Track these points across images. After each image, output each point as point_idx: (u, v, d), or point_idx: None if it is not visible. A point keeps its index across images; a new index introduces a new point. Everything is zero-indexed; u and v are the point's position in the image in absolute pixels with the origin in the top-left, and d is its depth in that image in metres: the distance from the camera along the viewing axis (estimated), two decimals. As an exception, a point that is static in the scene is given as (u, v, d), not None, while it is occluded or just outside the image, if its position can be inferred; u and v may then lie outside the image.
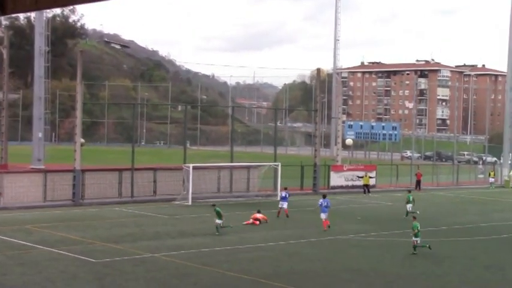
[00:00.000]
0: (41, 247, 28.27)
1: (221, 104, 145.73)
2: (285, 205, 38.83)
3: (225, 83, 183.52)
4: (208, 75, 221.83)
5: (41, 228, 33.17)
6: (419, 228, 29.19)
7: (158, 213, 39.89)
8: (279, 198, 41.02)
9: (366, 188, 54.99)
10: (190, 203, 44.26)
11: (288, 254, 28.44)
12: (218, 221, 32.65)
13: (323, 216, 34.92)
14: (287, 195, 39.27)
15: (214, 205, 33.84)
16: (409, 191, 43.85)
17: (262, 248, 29.67)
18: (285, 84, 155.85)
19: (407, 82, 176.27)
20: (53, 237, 30.83)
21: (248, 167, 52.70)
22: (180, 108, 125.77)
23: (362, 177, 55.91)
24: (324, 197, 35.96)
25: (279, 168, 49.52)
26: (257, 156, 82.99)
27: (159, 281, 23.31)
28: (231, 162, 52.84)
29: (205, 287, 22.87)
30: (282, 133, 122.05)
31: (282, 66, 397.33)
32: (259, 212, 36.94)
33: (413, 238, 29.16)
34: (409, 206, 40.63)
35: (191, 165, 46.15)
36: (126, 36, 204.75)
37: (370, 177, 55.88)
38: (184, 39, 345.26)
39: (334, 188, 55.79)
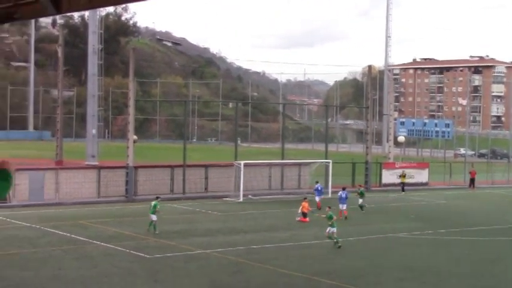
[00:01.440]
0: (96, 242, 28.76)
1: (272, 101, 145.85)
2: (317, 198, 41.29)
3: (276, 80, 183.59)
4: (259, 72, 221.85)
5: (95, 224, 33.73)
6: (334, 218, 28.97)
7: (210, 209, 40.13)
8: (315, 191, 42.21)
9: (403, 186, 54.00)
10: (241, 199, 44.43)
11: (337, 252, 28.30)
12: (154, 218, 31.53)
13: (341, 206, 37.39)
14: (320, 189, 41.87)
15: (158, 197, 33.54)
16: (361, 185, 45.98)
17: (312, 245, 29.59)
18: (336, 81, 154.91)
19: (460, 79, 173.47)
20: (107, 232, 31.32)
21: (299, 164, 52.63)
22: (231, 105, 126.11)
23: (401, 175, 55.02)
24: (344, 189, 38.99)
25: (330, 165, 49.34)
26: (308, 153, 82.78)
27: (211, 277, 23.44)
28: (282, 159, 52.80)
29: (257, 284, 22.89)
30: (333, 130, 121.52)
31: (333, 63, 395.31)
32: (305, 199, 37.51)
33: (330, 228, 28.69)
34: (360, 201, 40.79)
35: (242, 162, 46.28)
36: (177, 33, 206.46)
37: (404, 176, 54.76)
38: (238, 37, 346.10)
39: (386, 185, 55.18)
